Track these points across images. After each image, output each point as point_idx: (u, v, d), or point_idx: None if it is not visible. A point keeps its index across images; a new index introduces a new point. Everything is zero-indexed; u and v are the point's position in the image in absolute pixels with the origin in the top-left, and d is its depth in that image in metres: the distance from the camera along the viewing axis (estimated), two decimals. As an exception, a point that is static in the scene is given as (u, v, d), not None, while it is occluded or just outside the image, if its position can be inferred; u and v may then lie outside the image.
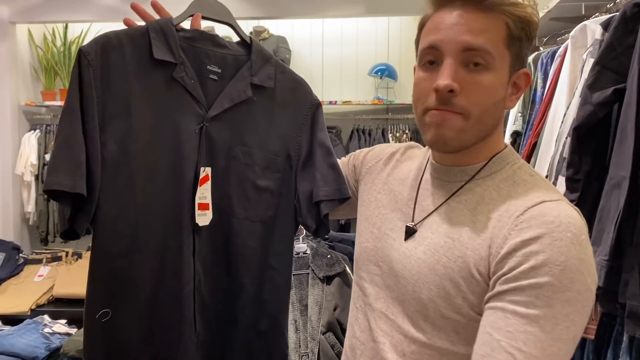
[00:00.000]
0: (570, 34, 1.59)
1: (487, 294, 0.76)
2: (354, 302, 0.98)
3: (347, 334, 0.99)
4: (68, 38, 4.49)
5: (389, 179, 0.99)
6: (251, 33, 4.50)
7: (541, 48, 2.33)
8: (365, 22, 4.63)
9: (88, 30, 4.52)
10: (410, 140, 4.33)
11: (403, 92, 4.44)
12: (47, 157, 4.29)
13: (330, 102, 4.39)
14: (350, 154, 1.13)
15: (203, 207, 1.02)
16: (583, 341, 1.56)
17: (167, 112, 1.00)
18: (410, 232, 0.88)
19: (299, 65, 4.61)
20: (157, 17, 1.06)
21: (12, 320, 2.51)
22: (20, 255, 2.98)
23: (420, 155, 1.00)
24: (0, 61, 4.29)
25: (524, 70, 0.84)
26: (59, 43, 4.50)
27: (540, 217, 0.74)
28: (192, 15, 1.08)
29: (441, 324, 0.81)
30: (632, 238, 1.17)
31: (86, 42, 4.41)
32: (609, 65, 1.26)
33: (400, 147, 1.05)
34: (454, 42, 0.79)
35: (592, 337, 1.49)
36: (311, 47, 4.68)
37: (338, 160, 1.13)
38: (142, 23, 1.06)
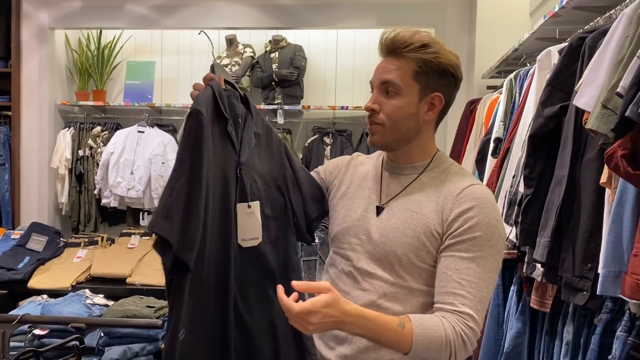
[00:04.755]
0: (538, 57, 1.89)
1: (440, 247, 1.15)
2: (335, 266, 1.30)
3: None
4: (101, 43, 4.86)
5: (354, 178, 1.34)
6: (270, 41, 4.83)
7: (528, 64, 2.62)
8: (376, 34, 4.90)
9: (120, 36, 4.89)
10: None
11: (410, 99, 4.73)
12: (81, 152, 4.66)
13: (342, 107, 4.70)
14: (315, 170, 1.46)
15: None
16: (541, 314, 1.85)
17: (221, 158, 1.18)
18: (379, 210, 1.24)
19: (314, 73, 4.92)
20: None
21: (55, 294, 2.86)
22: (61, 239, 3.34)
23: (368, 159, 1.37)
24: (40, 63, 4.67)
25: (437, 94, 1.20)
26: (92, 47, 4.87)
27: (471, 194, 1.15)
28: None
29: (411, 270, 1.18)
30: (568, 224, 1.48)
31: (117, 47, 4.75)
32: (559, 86, 1.56)
33: (352, 157, 1.41)
34: (377, 79, 1.21)
35: (548, 310, 1.79)
36: (326, 55, 4.99)
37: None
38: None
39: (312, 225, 1.38)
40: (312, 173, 1.44)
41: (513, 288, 2.12)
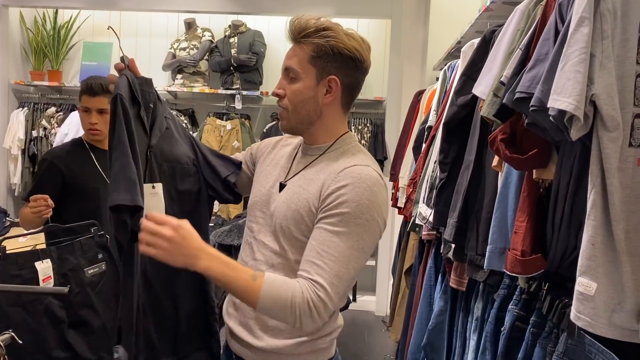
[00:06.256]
0: (462, 49, 1.98)
1: (315, 221, 1.19)
2: (245, 238, 1.38)
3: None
4: (58, 22, 4.80)
5: (275, 157, 1.41)
6: (230, 26, 4.84)
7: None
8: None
9: (77, 16, 4.83)
10: (371, 133, 4.75)
11: (367, 89, 4.81)
12: (34, 133, 4.61)
13: (300, 95, 4.75)
14: (248, 147, 1.54)
15: None
16: (460, 292, 1.96)
17: (139, 138, 1.27)
18: (282, 187, 1.30)
19: (274, 59, 4.95)
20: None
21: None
22: (7, 218, 3.33)
23: (294, 140, 1.43)
24: (-8, 41, 4.60)
25: (332, 77, 1.24)
26: (48, 27, 4.81)
27: (350, 173, 1.19)
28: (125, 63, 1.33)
29: (293, 242, 1.23)
30: (474, 206, 1.57)
31: (74, 28, 4.68)
32: (472, 76, 1.64)
33: (283, 137, 1.47)
34: (282, 66, 1.26)
35: (464, 289, 1.89)
36: (285, 42, 4.94)
37: (240, 153, 1.55)
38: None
39: (227, 183, 1.47)
40: (246, 149, 1.54)
41: (441, 270, 2.22)
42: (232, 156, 1.53)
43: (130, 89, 1.25)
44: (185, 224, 1.14)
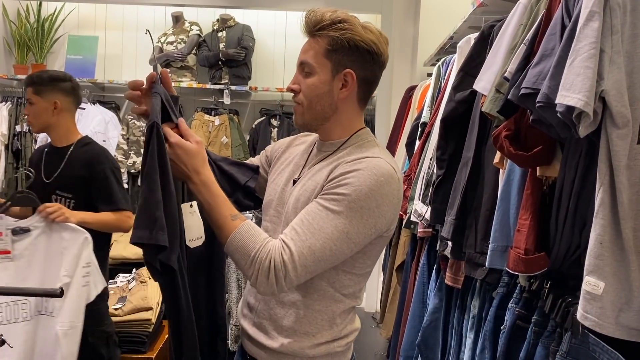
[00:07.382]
0: (458, 44, 1.96)
1: None
2: None
3: None
4: (42, 15, 4.70)
5: (290, 155, 1.38)
6: (218, 20, 4.78)
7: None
8: (325, 17, 4.95)
9: (62, 8, 4.73)
10: (361, 128, 4.73)
11: (357, 84, 4.78)
12: (18, 127, 4.52)
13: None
14: (263, 150, 1.51)
15: None
16: (455, 290, 1.95)
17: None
18: (295, 183, 1.27)
19: (262, 54, 4.90)
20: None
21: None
22: (-10, 215, 3.25)
23: (309, 139, 1.39)
24: (-26, 34, 4.50)
25: (348, 70, 1.20)
26: (32, 19, 4.71)
27: (361, 162, 1.16)
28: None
29: None
30: (472, 203, 1.56)
31: (59, 21, 4.59)
32: (470, 72, 1.63)
33: (297, 136, 1.45)
34: (297, 61, 1.22)
35: (460, 286, 1.88)
36: (275, 37, 4.98)
37: (256, 157, 1.51)
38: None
39: (247, 189, 1.44)
40: (261, 152, 1.50)
41: (435, 267, 2.21)
42: (247, 161, 1.49)
43: (163, 109, 1.17)
44: (187, 144, 1.15)
